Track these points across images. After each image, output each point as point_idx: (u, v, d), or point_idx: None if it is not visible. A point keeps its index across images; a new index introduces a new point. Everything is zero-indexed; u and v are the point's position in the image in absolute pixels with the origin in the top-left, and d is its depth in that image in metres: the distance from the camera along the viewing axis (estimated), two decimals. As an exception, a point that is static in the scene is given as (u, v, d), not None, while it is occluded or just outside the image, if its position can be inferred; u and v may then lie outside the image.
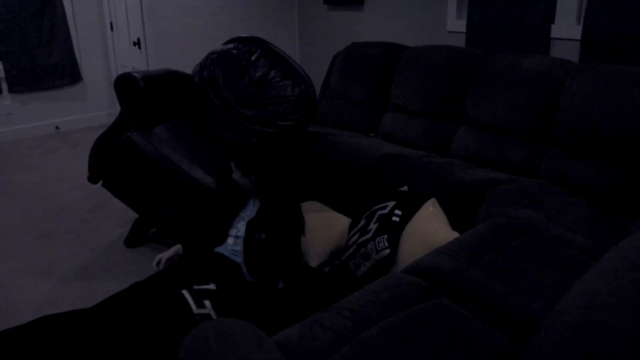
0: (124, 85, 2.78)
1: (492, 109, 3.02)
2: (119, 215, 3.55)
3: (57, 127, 5.65)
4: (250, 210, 2.58)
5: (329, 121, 3.86)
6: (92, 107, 5.82)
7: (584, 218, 2.41)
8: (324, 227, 2.87)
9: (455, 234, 2.35)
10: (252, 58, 3.24)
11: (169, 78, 3.04)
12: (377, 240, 2.49)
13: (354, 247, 2.63)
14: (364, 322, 1.49)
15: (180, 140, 2.82)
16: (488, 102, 3.03)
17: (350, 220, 2.96)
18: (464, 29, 4.26)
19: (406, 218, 2.58)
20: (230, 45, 3.29)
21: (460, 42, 4.28)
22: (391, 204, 2.64)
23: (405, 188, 2.72)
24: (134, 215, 3.40)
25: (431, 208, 2.54)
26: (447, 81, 3.24)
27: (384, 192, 2.82)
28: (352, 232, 2.76)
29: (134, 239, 3.10)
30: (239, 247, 2.46)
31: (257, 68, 3.21)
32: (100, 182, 2.90)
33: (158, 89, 2.87)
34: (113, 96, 5.90)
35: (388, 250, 2.43)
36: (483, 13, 3.97)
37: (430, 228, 2.42)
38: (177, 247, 2.54)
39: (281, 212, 2.55)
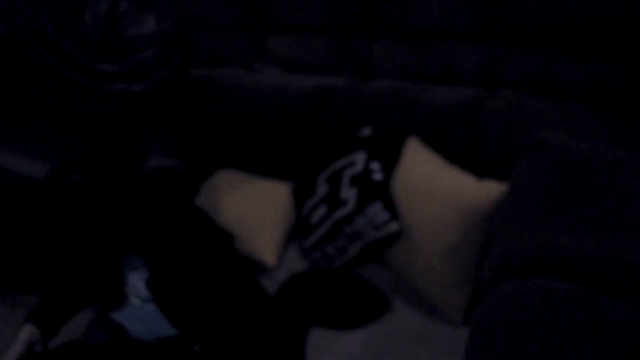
0: None
1: (425, 9, 2.39)
2: None
3: None
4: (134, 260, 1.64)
5: (196, 58, 2.91)
6: None
7: (592, 125, 1.98)
8: (262, 205, 2.09)
9: (470, 177, 1.76)
10: (85, -15, 2.14)
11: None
12: (367, 212, 1.81)
13: (327, 225, 1.91)
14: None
15: (25, 136, 1.74)
16: (419, 1, 2.39)
17: (289, 186, 2.20)
18: None
19: (388, 172, 1.92)
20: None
21: None
22: (361, 156, 1.95)
23: (367, 131, 2.02)
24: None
25: (420, 151, 1.90)
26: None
27: (340, 141, 2.09)
28: (310, 204, 2.03)
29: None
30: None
31: (99, 1, 2.14)
32: None
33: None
34: None
35: (397, 225, 1.76)
36: None
37: (433, 178, 1.80)
38: (26, 335, 1.39)
39: (192, 255, 1.63)
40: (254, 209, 2.05)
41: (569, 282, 1.16)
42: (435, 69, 2.40)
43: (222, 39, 2.89)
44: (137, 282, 1.57)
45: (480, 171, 1.80)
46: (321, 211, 1.95)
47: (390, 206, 1.79)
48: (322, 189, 1.99)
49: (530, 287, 1.16)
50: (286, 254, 2.04)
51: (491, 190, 1.60)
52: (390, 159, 1.94)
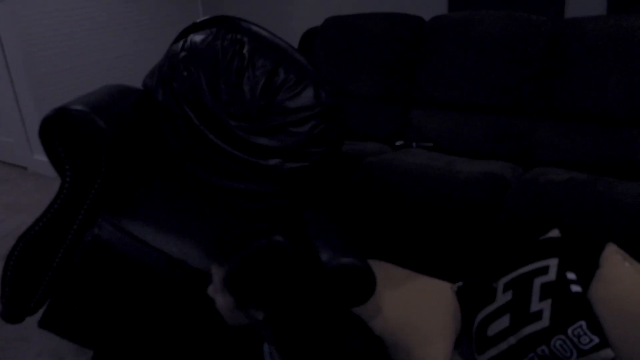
0: (66, 131, 1.45)
1: (603, 93, 2.16)
2: (45, 334, 2.15)
3: None
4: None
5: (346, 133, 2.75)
6: None
7: None
8: (429, 307, 1.85)
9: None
10: (244, 52, 2.04)
11: (127, 103, 1.73)
12: (571, 332, 1.53)
13: (512, 340, 1.64)
14: None
15: (184, 219, 1.58)
16: (595, 84, 2.17)
17: (449, 284, 1.96)
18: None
19: (584, 283, 1.65)
20: (204, 34, 2.04)
21: (438, 8, 3.36)
22: (552, 262, 1.69)
23: (556, 233, 1.77)
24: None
25: (626, 263, 1.63)
26: (513, 61, 2.33)
27: (525, 243, 1.84)
28: (488, 312, 1.77)
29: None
30: None
31: (255, 68, 2.03)
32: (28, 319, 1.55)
33: (124, 127, 1.58)
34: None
35: (610, 352, 1.47)
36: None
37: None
38: None
39: None
40: (418, 311, 1.82)
41: None
42: (615, 159, 2.14)
43: (359, 111, 2.74)
44: None
45: None
46: (503, 322, 1.69)
47: (597, 327, 1.52)
48: (504, 296, 1.73)
49: None
50: (453, 364, 1.78)
51: None
52: (586, 268, 1.67)
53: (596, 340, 1.50)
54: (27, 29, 3.35)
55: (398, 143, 2.57)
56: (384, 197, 2.10)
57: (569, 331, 1.54)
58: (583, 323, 1.54)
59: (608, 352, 1.48)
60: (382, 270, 2.03)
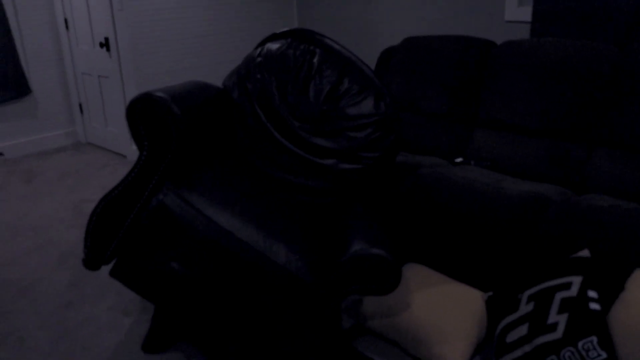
0: (147, 113, 1.74)
1: (662, 125, 2.17)
2: (118, 292, 2.47)
3: (1, 154, 4.43)
4: None
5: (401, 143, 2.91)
6: (46, 126, 4.61)
7: None
8: (456, 310, 1.96)
9: None
10: (314, 61, 2.26)
11: (203, 96, 2.01)
12: (580, 345, 1.59)
13: (527, 348, 1.72)
14: None
15: (239, 199, 1.81)
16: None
17: (480, 292, 2.05)
18: (527, 18, 3.48)
19: (606, 304, 1.70)
20: (280, 44, 2.29)
21: (521, 34, 3.48)
22: (575, 280, 1.74)
23: (586, 253, 1.82)
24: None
25: (649, 287, 1.66)
26: (573, 89, 2.39)
27: (551, 258, 1.91)
28: (509, 320, 1.85)
29: (156, 340, 2.05)
30: None
31: (323, 76, 2.24)
32: (104, 267, 1.86)
33: (195, 115, 1.85)
34: (71, 112, 4.72)
35: (614, 367, 1.53)
36: (553, -2, 3.16)
37: (665, 323, 1.54)
38: None
39: None
40: (445, 312, 1.93)
41: None
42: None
43: (424, 126, 2.87)
44: None
45: None
46: (522, 331, 1.77)
47: (608, 345, 1.57)
48: (526, 307, 1.81)
49: None
50: (472, 366, 1.87)
51: None
52: (610, 289, 1.72)
53: (604, 355, 1.56)
54: (137, 35, 3.79)
55: (457, 160, 2.68)
56: (431, 205, 2.22)
57: (580, 344, 1.60)
58: (594, 338, 1.59)
59: (611, 367, 1.53)
60: (420, 272, 2.16)
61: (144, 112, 1.74)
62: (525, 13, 3.50)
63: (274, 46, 2.28)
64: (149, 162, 1.76)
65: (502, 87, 2.60)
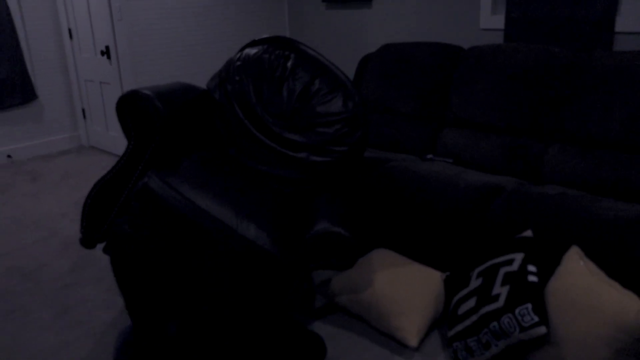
0: (134, 109, 1.96)
1: (607, 121, 2.37)
2: (114, 277, 2.68)
3: (8, 156, 4.67)
4: None
5: (370, 141, 3.13)
6: (51, 130, 4.86)
7: None
8: (414, 287, 2.15)
9: (634, 296, 1.67)
10: (288, 65, 2.48)
11: (186, 95, 2.24)
12: (517, 311, 1.79)
13: (474, 317, 1.91)
14: None
15: (216, 183, 2.03)
16: (600, 111, 2.38)
17: (440, 273, 2.25)
18: (500, 26, 3.67)
19: (544, 276, 1.90)
20: (256, 49, 2.52)
21: (496, 40, 3.68)
22: (518, 256, 1.94)
23: (529, 233, 2.02)
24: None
25: (581, 261, 1.86)
26: (530, 89, 2.59)
27: (496, 238, 2.11)
28: (461, 295, 2.05)
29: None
30: None
31: (296, 78, 2.46)
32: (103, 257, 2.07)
33: (176, 111, 2.07)
34: (75, 116, 4.96)
35: (544, 329, 1.73)
36: (526, 6, 3.36)
37: (590, 290, 1.75)
38: None
39: None
40: (405, 289, 2.13)
41: None
42: (611, 181, 2.34)
43: (398, 126, 3.08)
44: None
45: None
46: (470, 303, 1.96)
47: (541, 310, 1.77)
48: (475, 282, 2.01)
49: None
50: (428, 340, 2.07)
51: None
52: (548, 265, 1.92)
53: (536, 319, 1.75)
54: (136, 43, 4.02)
55: (428, 156, 2.89)
56: (396, 195, 2.43)
57: (517, 311, 1.79)
58: (529, 305, 1.78)
59: (542, 329, 1.72)
60: (386, 255, 2.36)
61: (131, 107, 1.96)
62: (499, 21, 3.70)
63: (252, 51, 2.51)
64: (136, 151, 1.98)
65: (468, 89, 2.81)
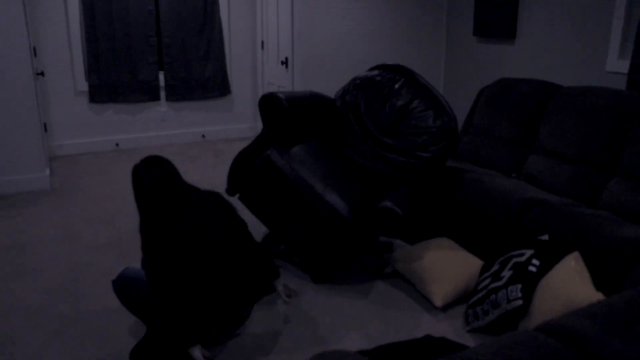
0: (268, 104, 2.89)
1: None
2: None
3: (203, 136, 6.03)
4: None
5: (470, 158, 3.73)
6: (237, 120, 6.16)
7: None
8: (454, 267, 2.76)
9: (599, 295, 2.15)
10: (396, 86, 3.22)
11: (312, 100, 3.11)
12: (509, 288, 2.35)
13: (484, 292, 2.50)
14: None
15: (318, 163, 2.86)
16: (650, 152, 2.75)
17: (482, 262, 2.82)
18: (625, 70, 3.94)
19: (544, 269, 2.42)
20: (375, 72, 3.30)
21: (621, 84, 3.97)
22: (529, 252, 2.48)
23: (545, 237, 2.54)
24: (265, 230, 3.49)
25: (573, 263, 2.35)
26: (603, 127, 3.00)
27: (523, 238, 2.65)
28: (484, 276, 2.63)
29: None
30: None
31: (399, 97, 3.19)
32: (237, 195, 3.03)
33: (301, 110, 2.95)
34: (257, 111, 6.19)
35: (521, 302, 2.28)
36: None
37: (570, 285, 2.24)
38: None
39: None
40: (446, 266, 2.76)
41: None
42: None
43: (494, 148, 3.63)
44: None
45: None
46: (486, 282, 2.55)
47: (527, 291, 2.31)
48: (494, 267, 2.58)
49: None
50: (455, 309, 2.68)
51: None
52: (550, 261, 2.43)
53: (519, 295, 2.30)
54: (308, 55, 5.02)
55: (513, 175, 3.42)
56: (465, 197, 3.05)
57: (509, 288, 2.36)
58: (519, 285, 2.33)
59: (518, 302, 2.27)
60: (444, 242, 2.99)
61: (268, 104, 2.89)
62: (625, 66, 3.98)
63: (371, 73, 3.30)
64: (266, 134, 2.90)
65: (553, 123, 3.29)
